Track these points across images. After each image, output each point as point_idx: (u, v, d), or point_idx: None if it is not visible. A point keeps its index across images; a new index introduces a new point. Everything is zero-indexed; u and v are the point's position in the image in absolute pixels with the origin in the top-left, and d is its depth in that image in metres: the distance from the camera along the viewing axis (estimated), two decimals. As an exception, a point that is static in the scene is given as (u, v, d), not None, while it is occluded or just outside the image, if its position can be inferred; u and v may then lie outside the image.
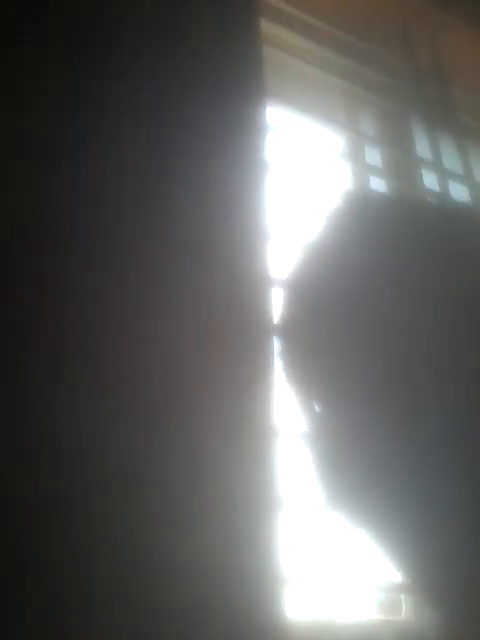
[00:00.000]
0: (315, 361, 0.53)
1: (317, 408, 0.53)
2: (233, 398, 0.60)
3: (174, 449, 0.56)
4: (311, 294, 0.56)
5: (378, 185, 1.06)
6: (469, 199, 1.01)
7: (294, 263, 0.60)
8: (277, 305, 0.64)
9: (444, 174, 1.02)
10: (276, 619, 0.53)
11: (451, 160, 1.05)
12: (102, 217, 0.63)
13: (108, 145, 0.67)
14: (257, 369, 0.62)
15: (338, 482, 0.51)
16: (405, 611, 0.66)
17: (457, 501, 0.45)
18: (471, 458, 0.45)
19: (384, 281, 0.50)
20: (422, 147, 1.08)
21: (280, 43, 1.07)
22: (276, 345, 0.61)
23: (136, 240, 0.65)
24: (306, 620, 0.61)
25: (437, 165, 1.03)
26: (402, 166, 1.07)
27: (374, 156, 1.10)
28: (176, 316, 0.62)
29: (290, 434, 0.63)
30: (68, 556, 0.49)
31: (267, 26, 1.02)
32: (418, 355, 0.47)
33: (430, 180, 1.03)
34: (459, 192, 1.02)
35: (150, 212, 0.67)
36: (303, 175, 0.95)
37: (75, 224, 0.61)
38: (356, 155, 1.09)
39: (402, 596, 0.65)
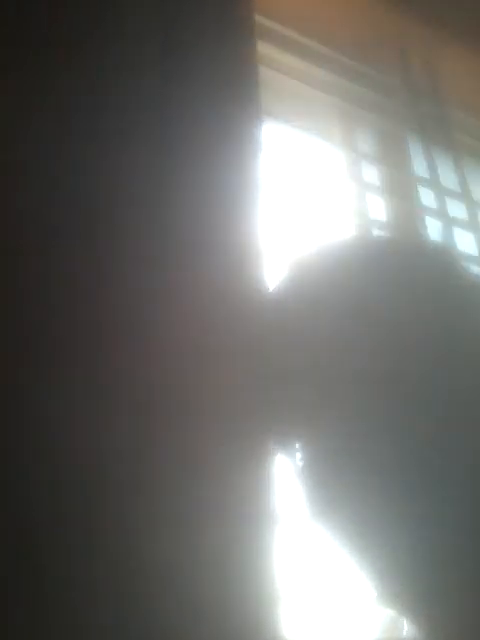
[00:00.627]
0: (289, 390, 0.54)
1: (295, 437, 0.54)
2: (230, 411, 0.60)
3: (168, 457, 0.56)
4: (294, 316, 0.57)
5: (375, 203, 1.06)
6: (467, 216, 1.02)
7: (283, 284, 0.61)
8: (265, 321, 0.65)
9: (441, 192, 1.02)
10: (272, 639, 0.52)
11: (448, 178, 1.05)
12: (97, 234, 0.64)
13: (104, 162, 0.68)
14: (253, 381, 0.62)
15: (317, 497, 0.52)
16: (406, 630, 0.66)
17: (429, 520, 0.46)
18: (440, 477, 0.46)
19: (365, 317, 0.51)
20: (419, 165, 1.08)
21: (277, 64, 1.08)
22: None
23: (132, 254, 0.65)
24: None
25: (434, 183, 1.03)
26: (399, 184, 1.08)
27: (372, 174, 1.10)
28: (172, 328, 0.62)
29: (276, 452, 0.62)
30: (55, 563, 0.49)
31: (264, 48, 1.03)
32: (386, 386, 0.49)
33: (428, 198, 1.04)
34: (457, 210, 1.02)
35: (145, 229, 0.67)
36: (301, 193, 0.96)
37: (69, 230, 0.62)
38: (354, 173, 1.09)
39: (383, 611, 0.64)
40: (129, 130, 0.73)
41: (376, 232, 1.01)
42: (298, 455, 0.53)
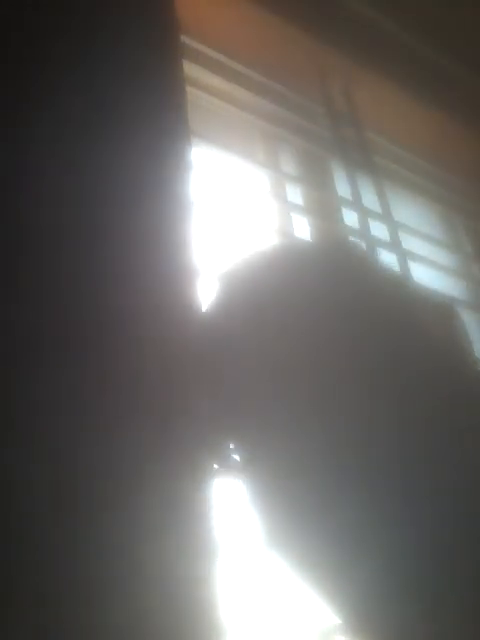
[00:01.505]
0: (233, 406, 0.54)
1: (245, 448, 0.54)
2: (167, 431, 0.59)
3: (103, 476, 0.54)
4: (224, 329, 0.57)
5: (300, 222, 1.08)
6: (388, 237, 1.05)
7: (212, 297, 0.61)
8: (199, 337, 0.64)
9: (364, 213, 1.05)
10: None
11: (370, 200, 1.08)
12: (24, 253, 0.62)
13: (31, 186, 0.66)
14: (186, 404, 0.61)
15: (270, 520, 0.51)
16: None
17: (391, 546, 0.45)
18: (399, 496, 0.45)
19: (299, 322, 0.52)
20: (342, 187, 1.11)
21: (202, 85, 1.09)
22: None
23: (58, 275, 0.64)
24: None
25: (357, 204, 1.06)
26: (323, 205, 1.10)
27: (295, 194, 1.12)
28: (105, 349, 0.61)
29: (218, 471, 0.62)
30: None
31: (190, 68, 1.04)
32: (328, 392, 0.49)
33: (350, 219, 1.06)
34: (378, 230, 1.05)
35: (74, 249, 0.66)
36: (227, 212, 0.96)
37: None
38: (278, 193, 1.11)
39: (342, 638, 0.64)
40: (56, 151, 0.71)
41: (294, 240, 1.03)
42: (246, 474, 0.52)
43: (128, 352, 0.62)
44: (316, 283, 0.52)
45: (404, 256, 1.02)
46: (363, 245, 1.00)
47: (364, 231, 1.03)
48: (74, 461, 0.53)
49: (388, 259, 0.98)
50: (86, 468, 0.53)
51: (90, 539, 0.51)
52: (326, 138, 1.17)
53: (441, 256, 1.17)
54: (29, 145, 0.70)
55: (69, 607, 0.47)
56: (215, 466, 0.55)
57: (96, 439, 0.55)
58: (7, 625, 0.45)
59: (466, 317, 1.06)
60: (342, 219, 1.07)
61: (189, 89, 1.01)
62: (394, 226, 1.06)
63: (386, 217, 1.07)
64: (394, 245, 1.03)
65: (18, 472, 0.50)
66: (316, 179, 1.15)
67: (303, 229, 1.08)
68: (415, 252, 1.08)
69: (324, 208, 1.10)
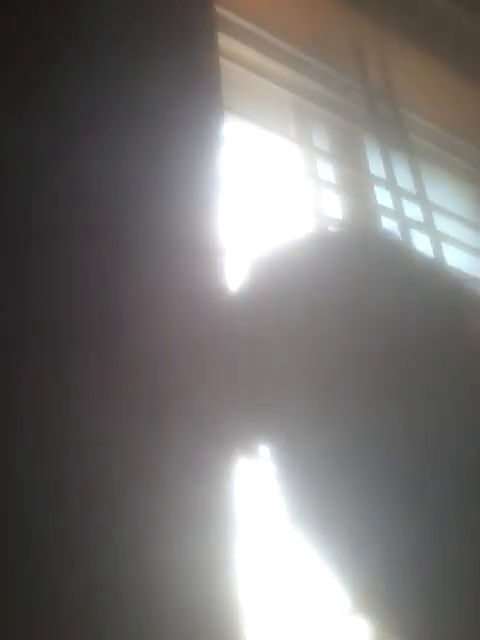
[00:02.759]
0: (255, 386, 0.53)
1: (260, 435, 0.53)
2: (193, 412, 0.58)
3: (130, 465, 0.54)
4: (254, 315, 0.56)
5: (331, 200, 1.06)
6: (422, 218, 1.03)
7: (243, 283, 0.60)
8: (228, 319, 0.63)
9: (398, 192, 1.03)
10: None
11: (404, 179, 1.06)
12: (59, 228, 0.61)
13: (64, 155, 0.65)
14: (213, 383, 0.60)
15: (294, 504, 0.51)
16: (369, 636, 0.66)
17: (411, 531, 0.45)
18: (413, 483, 0.45)
19: (328, 312, 0.51)
20: (375, 165, 1.09)
21: (236, 58, 1.07)
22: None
23: (90, 251, 0.63)
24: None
25: (390, 183, 1.04)
26: (356, 183, 1.08)
27: (328, 171, 1.10)
28: (135, 329, 0.60)
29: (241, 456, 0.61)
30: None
31: (224, 40, 1.01)
32: (357, 379, 0.48)
33: (383, 198, 1.04)
34: (413, 211, 1.03)
35: (105, 226, 0.65)
36: (258, 189, 0.95)
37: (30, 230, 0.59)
38: (310, 170, 1.09)
39: (355, 620, 0.64)
40: (88, 125, 0.70)
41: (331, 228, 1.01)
42: (272, 460, 0.52)
43: (156, 334, 0.61)
44: (348, 274, 0.51)
45: (437, 238, 1.00)
46: (396, 225, 0.98)
47: (397, 211, 1.01)
48: (78, 460, 0.53)
49: (421, 240, 0.96)
50: (90, 467, 0.53)
51: (95, 539, 0.50)
52: (360, 114, 1.14)
53: (476, 239, 1.14)
54: (60, 111, 0.69)
55: (71, 607, 0.47)
56: (240, 454, 0.55)
57: (102, 436, 0.54)
58: (7, 625, 0.44)
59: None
60: (375, 198, 1.05)
61: (222, 61, 0.99)
62: (428, 207, 1.04)
63: (420, 197, 1.05)
64: (428, 226, 1.01)
65: (19, 472, 0.49)
66: (349, 156, 1.12)
67: (335, 207, 1.06)
68: (449, 234, 1.05)
69: (356, 186, 1.07)
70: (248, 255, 0.68)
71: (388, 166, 1.06)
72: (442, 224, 1.06)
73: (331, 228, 0.98)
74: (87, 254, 0.62)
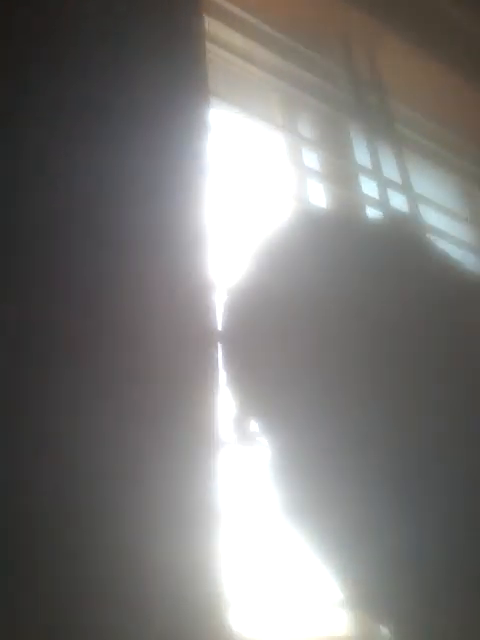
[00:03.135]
0: (252, 375, 0.52)
1: (255, 423, 0.52)
2: (174, 406, 0.57)
3: (110, 458, 0.53)
4: (252, 304, 0.55)
5: (316, 189, 1.05)
6: (407, 209, 1.02)
7: (239, 271, 0.59)
8: (220, 310, 0.63)
9: (383, 183, 1.02)
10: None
11: (390, 169, 1.05)
12: (38, 216, 0.60)
13: (48, 140, 0.64)
14: (200, 376, 0.60)
15: (289, 494, 0.50)
16: (347, 627, 0.66)
17: (397, 520, 0.45)
18: (420, 476, 0.45)
19: (325, 294, 0.50)
20: (361, 154, 1.08)
21: (223, 43, 1.06)
22: (219, 354, 0.59)
23: (72, 240, 0.62)
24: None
25: (376, 173, 1.03)
26: (340, 172, 1.07)
27: (313, 160, 1.09)
28: (115, 321, 0.59)
29: (235, 444, 0.61)
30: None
31: (211, 25, 1.00)
32: (356, 370, 0.47)
33: (369, 187, 1.03)
34: (397, 201, 1.02)
35: (88, 212, 0.64)
36: (243, 176, 0.94)
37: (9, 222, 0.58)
38: (294, 158, 1.08)
39: (345, 612, 0.64)
40: (72, 114, 0.69)
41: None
42: (268, 447, 0.51)
43: (141, 324, 0.60)
44: (360, 266, 0.50)
45: (422, 229, 1.00)
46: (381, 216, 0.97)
47: (382, 201, 1.00)
48: (77, 460, 0.52)
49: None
50: (89, 467, 0.52)
51: (93, 539, 0.50)
52: (347, 103, 1.13)
53: (461, 231, 1.14)
54: (52, 113, 0.67)
55: (72, 607, 0.46)
56: (234, 439, 0.54)
57: (100, 437, 0.53)
58: (7, 625, 0.44)
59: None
60: (360, 188, 1.04)
61: (209, 47, 0.98)
62: (413, 197, 1.04)
63: (405, 188, 1.04)
64: (413, 217, 1.01)
65: (19, 472, 0.48)
66: (335, 145, 1.12)
67: (319, 195, 1.05)
68: (434, 225, 1.05)
69: (342, 175, 1.07)
70: (241, 247, 0.67)
71: (374, 156, 1.05)
72: (427, 215, 1.06)
73: (325, 211, 0.95)
74: (71, 247, 0.61)
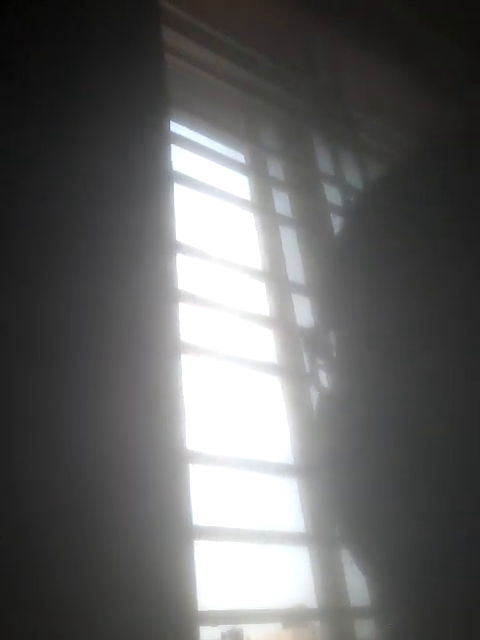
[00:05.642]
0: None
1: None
2: (139, 418, 0.56)
3: (77, 473, 0.52)
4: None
5: (281, 198, 1.06)
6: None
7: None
8: (185, 320, 0.62)
9: (347, 190, 1.03)
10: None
11: (353, 177, 1.06)
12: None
13: (7, 148, 0.63)
14: (165, 387, 0.59)
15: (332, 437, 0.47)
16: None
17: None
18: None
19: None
20: (324, 162, 1.08)
21: (185, 54, 1.06)
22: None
23: (31, 250, 0.61)
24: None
25: (339, 180, 1.04)
26: (304, 180, 1.08)
27: (277, 170, 1.10)
28: (77, 331, 0.58)
29: (204, 458, 0.60)
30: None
31: (169, 36, 1.00)
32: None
33: (332, 195, 1.04)
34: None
35: (48, 223, 0.63)
36: (207, 186, 0.93)
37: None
38: (258, 168, 1.08)
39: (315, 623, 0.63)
40: (29, 120, 0.68)
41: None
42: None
43: (103, 334, 0.59)
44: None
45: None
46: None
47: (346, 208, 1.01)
48: (74, 460, 0.51)
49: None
50: (87, 468, 0.51)
51: (90, 540, 0.49)
52: (308, 112, 1.14)
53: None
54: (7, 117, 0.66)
55: (69, 608, 0.45)
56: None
57: (92, 444, 0.53)
58: (7, 625, 0.43)
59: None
60: (324, 196, 1.04)
61: (171, 59, 0.97)
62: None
63: (369, 195, 1.05)
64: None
65: (20, 472, 0.47)
66: (297, 154, 1.12)
67: (284, 204, 1.05)
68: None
69: (306, 184, 1.07)
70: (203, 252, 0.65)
71: (337, 164, 1.06)
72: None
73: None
74: (30, 246, 0.60)
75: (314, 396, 0.51)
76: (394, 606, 0.45)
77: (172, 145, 0.84)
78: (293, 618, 0.64)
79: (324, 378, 0.48)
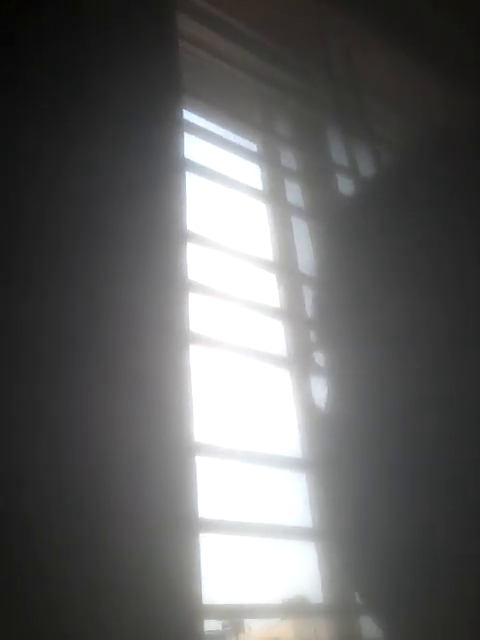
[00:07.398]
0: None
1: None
2: (147, 409, 0.56)
3: (83, 466, 0.52)
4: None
5: (293, 188, 1.05)
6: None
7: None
8: (195, 311, 0.62)
9: (360, 181, 1.02)
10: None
11: (367, 169, 1.05)
12: (7, 217, 0.58)
13: (17, 139, 0.63)
14: (173, 378, 0.58)
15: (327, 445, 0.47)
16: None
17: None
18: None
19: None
20: (337, 153, 1.08)
21: (197, 40, 1.05)
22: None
23: (46, 240, 0.60)
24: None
25: (353, 172, 1.03)
26: (318, 171, 1.07)
27: (289, 160, 1.09)
28: (86, 321, 0.58)
29: (211, 450, 0.60)
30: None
31: (184, 22, 0.99)
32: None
33: (345, 186, 1.03)
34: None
35: (59, 212, 0.63)
36: (219, 175, 0.93)
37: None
38: (271, 157, 1.07)
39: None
40: (42, 109, 0.67)
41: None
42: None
43: (114, 325, 0.59)
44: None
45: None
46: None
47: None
48: (81, 452, 0.51)
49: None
50: (94, 459, 0.51)
51: (96, 533, 0.49)
52: (323, 102, 1.13)
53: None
54: (21, 111, 0.66)
55: (74, 602, 0.45)
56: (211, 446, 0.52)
57: (99, 437, 0.52)
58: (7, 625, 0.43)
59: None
60: (337, 187, 1.03)
61: (186, 46, 0.97)
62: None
63: (383, 187, 1.04)
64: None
65: (20, 472, 0.47)
66: (311, 144, 1.11)
67: (297, 195, 1.04)
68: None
69: (318, 174, 1.06)
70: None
71: (351, 155, 1.05)
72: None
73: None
74: (45, 236, 0.60)
75: (321, 390, 0.50)
76: (394, 606, 0.45)
77: (185, 133, 0.84)
78: (297, 612, 0.63)
79: (324, 374, 0.47)
